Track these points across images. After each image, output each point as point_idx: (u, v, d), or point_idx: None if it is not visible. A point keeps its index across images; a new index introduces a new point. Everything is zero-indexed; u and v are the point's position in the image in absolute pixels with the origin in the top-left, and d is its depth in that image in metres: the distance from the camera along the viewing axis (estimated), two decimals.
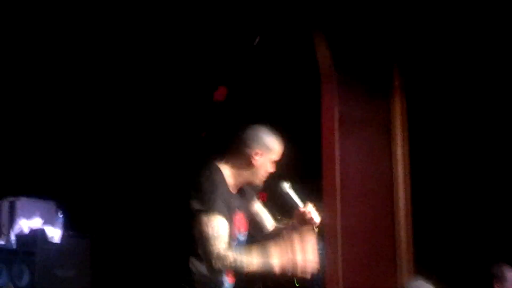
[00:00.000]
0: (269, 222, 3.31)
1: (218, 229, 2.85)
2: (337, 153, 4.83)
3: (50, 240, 5.92)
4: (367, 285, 4.78)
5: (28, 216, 5.99)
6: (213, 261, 2.80)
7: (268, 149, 3.04)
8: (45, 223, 6.03)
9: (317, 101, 4.94)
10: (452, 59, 4.99)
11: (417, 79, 4.96)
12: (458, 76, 4.95)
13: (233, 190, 3.04)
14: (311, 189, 5.24)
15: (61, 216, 6.09)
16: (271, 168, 3.07)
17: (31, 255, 5.74)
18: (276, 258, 2.75)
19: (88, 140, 6.82)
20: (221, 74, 6.28)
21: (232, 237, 2.96)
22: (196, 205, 2.88)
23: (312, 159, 5.12)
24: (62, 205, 6.23)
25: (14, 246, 5.77)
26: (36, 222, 5.99)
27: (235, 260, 2.79)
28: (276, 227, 3.27)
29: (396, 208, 4.81)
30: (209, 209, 2.85)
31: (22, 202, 6.05)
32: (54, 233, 5.98)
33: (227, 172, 3.03)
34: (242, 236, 3.12)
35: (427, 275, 4.75)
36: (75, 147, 6.82)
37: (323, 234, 5.07)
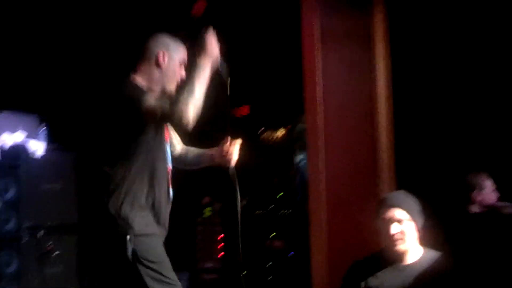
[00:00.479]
0: (178, 140, 3.39)
1: (152, 101, 2.91)
2: (318, 68, 4.81)
3: (33, 153, 5.97)
4: (349, 196, 4.89)
5: (11, 130, 5.99)
6: (175, 114, 2.82)
7: (172, 49, 3.11)
8: (29, 136, 6.06)
9: (297, 15, 4.87)
10: None
11: None
12: None
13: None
14: (292, 104, 5.31)
15: (44, 129, 6.10)
16: (180, 72, 3.10)
17: (15, 169, 5.80)
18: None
19: (71, 51, 6.71)
20: None
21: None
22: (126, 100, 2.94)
23: (293, 75, 5.10)
24: (45, 118, 6.23)
25: None
26: (19, 136, 6.00)
27: (183, 94, 2.84)
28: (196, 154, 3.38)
29: (378, 121, 4.85)
30: (141, 99, 2.91)
31: (4, 116, 6.03)
32: (38, 147, 6.01)
33: (143, 84, 3.07)
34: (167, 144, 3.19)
35: (408, 188, 4.90)
36: (58, 59, 6.71)
37: (306, 145, 5.17)
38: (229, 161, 3.22)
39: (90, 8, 6.45)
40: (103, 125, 3.11)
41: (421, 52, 4.83)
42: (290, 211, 5.62)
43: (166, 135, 3.15)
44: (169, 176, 3.15)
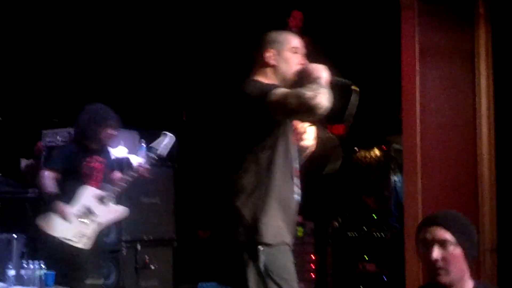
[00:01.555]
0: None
1: (281, 90, 2.85)
2: (417, 85, 4.68)
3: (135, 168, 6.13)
4: None
5: (113, 145, 6.19)
6: (306, 94, 2.73)
7: (277, 42, 3.03)
8: (129, 152, 6.23)
9: (397, 31, 4.76)
10: None
11: (504, 6, 4.68)
12: None
13: None
14: (389, 122, 5.18)
15: (143, 145, 6.26)
16: (298, 60, 3.01)
17: None
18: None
19: (168, 70, 6.90)
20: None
21: None
22: (259, 93, 2.87)
23: (392, 91, 4.99)
24: (145, 134, 6.40)
25: None
26: (121, 151, 6.18)
27: (312, 88, 2.75)
28: None
29: (479, 141, 4.65)
30: (268, 91, 2.85)
31: None
32: (138, 161, 6.17)
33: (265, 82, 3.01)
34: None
35: (511, 209, 4.64)
36: (154, 76, 6.91)
37: (402, 166, 5.02)
38: (299, 140, 3.08)
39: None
40: (228, 127, 3.06)
41: None
42: (384, 233, 5.46)
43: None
44: (298, 177, 3.06)
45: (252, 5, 6.38)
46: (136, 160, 6.15)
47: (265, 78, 3.01)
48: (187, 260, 6.47)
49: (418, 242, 2.57)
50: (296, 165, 3.05)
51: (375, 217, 5.54)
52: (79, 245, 4.65)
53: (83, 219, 4.74)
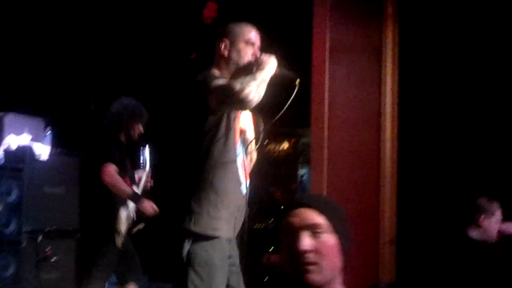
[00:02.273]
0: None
1: (220, 80, 2.97)
2: (326, 80, 4.78)
3: (38, 156, 5.92)
4: (350, 211, 4.78)
5: (16, 132, 5.96)
6: (236, 87, 2.82)
7: (233, 33, 3.10)
8: (34, 139, 6.02)
9: (308, 26, 4.84)
10: None
11: (411, 6, 4.84)
12: (453, 4, 4.82)
13: None
14: (298, 117, 5.25)
15: (49, 133, 6.07)
16: (252, 52, 3.08)
17: (19, 171, 5.75)
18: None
19: (77, 56, 6.73)
20: None
21: None
22: (201, 82, 2.99)
23: (301, 86, 5.04)
24: (51, 122, 6.21)
25: (2, 162, 5.78)
26: (24, 139, 5.96)
27: (243, 80, 2.84)
28: None
29: (383, 137, 4.80)
30: (209, 79, 2.97)
31: (10, 118, 5.99)
32: (43, 150, 5.97)
33: (215, 72, 3.10)
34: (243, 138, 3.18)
35: (411, 206, 4.81)
36: (64, 64, 6.74)
37: (309, 159, 5.10)
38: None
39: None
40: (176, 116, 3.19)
41: (430, 68, 4.76)
42: None
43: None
44: (244, 168, 3.09)
45: None
46: (41, 148, 5.96)
47: (218, 69, 3.10)
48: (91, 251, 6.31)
49: (282, 231, 1.91)
50: (241, 158, 3.09)
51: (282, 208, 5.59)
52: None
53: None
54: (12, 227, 5.68)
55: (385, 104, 4.78)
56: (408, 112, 4.85)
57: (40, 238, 5.85)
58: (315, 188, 4.91)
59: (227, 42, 3.08)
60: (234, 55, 3.08)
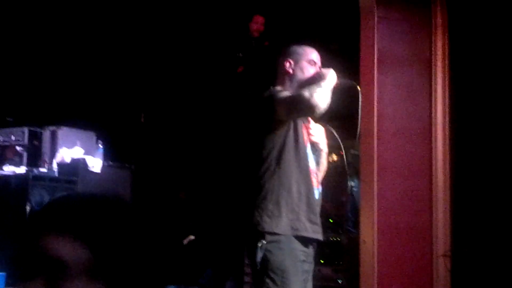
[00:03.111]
0: None
1: (286, 92, 3.17)
2: (375, 91, 4.73)
3: (91, 169, 6.04)
4: (402, 224, 4.77)
5: (69, 145, 6.11)
6: (305, 95, 3.00)
7: (296, 54, 3.31)
8: (86, 152, 6.15)
9: (356, 38, 4.81)
10: None
11: (461, 16, 4.77)
12: (506, 12, 4.73)
13: None
14: (349, 128, 5.22)
15: (101, 146, 6.19)
16: (314, 71, 3.28)
17: (72, 184, 5.88)
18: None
19: (128, 70, 6.84)
20: (257, 3, 6.17)
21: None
22: (268, 96, 3.21)
23: (349, 98, 5.03)
24: (102, 135, 6.33)
25: (56, 174, 5.91)
26: (77, 152, 6.10)
27: (310, 89, 3.03)
28: None
29: (434, 148, 4.73)
30: (275, 93, 3.18)
31: (63, 131, 6.16)
32: (95, 163, 6.09)
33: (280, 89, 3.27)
34: (313, 149, 3.35)
35: (463, 217, 4.73)
36: (115, 77, 6.85)
37: (359, 172, 5.06)
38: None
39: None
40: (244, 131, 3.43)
41: (481, 79, 4.68)
42: (340, 238, 5.50)
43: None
44: (315, 176, 3.27)
45: (214, 9, 6.41)
46: (93, 161, 6.08)
47: (283, 85, 3.29)
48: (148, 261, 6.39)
49: None
50: (312, 165, 3.27)
51: (331, 221, 5.57)
52: None
53: None
54: None
55: (436, 115, 4.71)
56: (460, 123, 4.78)
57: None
58: (365, 200, 4.87)
59: (291, 61, 3.30)
60: (298, 73, 3.29)
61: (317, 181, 3.27)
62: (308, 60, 3.31)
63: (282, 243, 3.02)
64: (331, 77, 3.18)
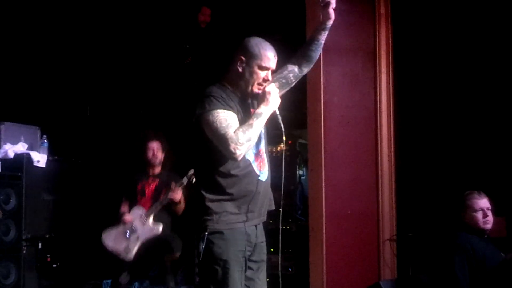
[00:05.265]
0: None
1: (225, 119, 3.00)
2: (321, 81, 4.81)
3: (35, 164, 5.94)
4: (349, 210, 4.87)
5: (13, 140, 5.97)
6: (230, 146, 2.93)
7: (251, 53, 3.10)
8: (30, 147, 6.03)
9: (301, 28, 4.87)
10: None
11: (404, 6, 4.89)
12: (445, 3, 4.87)
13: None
14: (296, 116, 5.29)
15: (46, 141, 6.09)
16: (265, 76, 3.11)
17: (17, 179, 5.77)
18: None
19: (72, 65, 6.73)
20: None
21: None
22: (198, 110, 3.03)
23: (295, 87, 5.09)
24: (47, 129, 6.22)
25: (0, 170, 5.79)
26: (21, 147, 5.98)
27: (243, 133, 2.95)
28: None
29: (379, 136, 4.85)
30: (209, 107, 3.01)
31: (6, 127, 6.01)
32: (40, 158, 5.99)
33: (226, 84, 3.13)
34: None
35: (409, 201, 4.87)
36: (58, 72, 6.74)
37: (307, 159, 5.13)
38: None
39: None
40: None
41: (424, 66, 4.81)
42: (289, 226, 5.57)
43: None
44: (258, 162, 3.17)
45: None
46: (38, 156, 5.98)
47: (229, 82, 3.14)
48: (92, 258, 6.33)
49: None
50: (258, 148, 3.18)
51: (280, 210, 5.62)
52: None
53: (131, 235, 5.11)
54: (11, 234, 5.69)
55: (381, 103, 4.82)
56: (404, 109, 4.90)
57: (40, 245, 5.88)
58: (313, 188, 4.95)
59: (244, 59, 3.11)
60: (247, 75, 3.12)
61: (262, 164, 3.19)
62: (260, 65, 3.10)
63: (224, 234, 3.04)
64: (272, 104, 3.06)
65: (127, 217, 5.18)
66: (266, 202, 3.24)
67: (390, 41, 4.85)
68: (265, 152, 3.24)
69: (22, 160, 5.84)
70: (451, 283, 3.75)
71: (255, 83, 3.12)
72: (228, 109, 3.01)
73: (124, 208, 5.31)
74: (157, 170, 5.36)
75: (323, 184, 4.84)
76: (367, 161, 4.88)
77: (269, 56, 3.12)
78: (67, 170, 6.27)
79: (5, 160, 5.84)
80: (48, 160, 6.04)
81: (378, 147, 4.87)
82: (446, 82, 4.89)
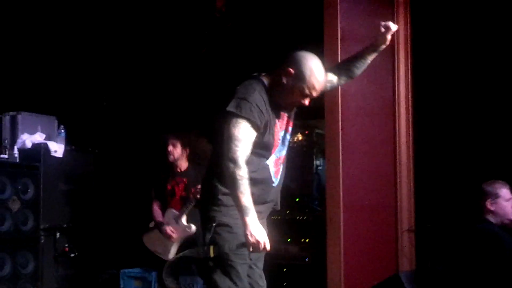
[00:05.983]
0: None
1: (245, 134, 2.96)
2: None
3: (53, 154, 5.97)
4: (367, 201, 4.84)
5: (30, 131, 6.01)
6: (227, 158, 2.91)
7: (301, 76, 2.99)
8: (48, 138, 6.06)
9: (319, 16, 4.83)
10: None
11: None
12: None
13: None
14: (313, 106, 5.26)
15: (63, 131, 6.11)
16: (302, 100, 3.06)
17: (35, 169, 5.81)
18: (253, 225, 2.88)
19: (88, 54, 6.74)
20: None
21: (274, 143, 3.09)
22: (230, 107, 2.98)
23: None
24: (64, 119, 6.24)
25: (17, 160, 5.82)
26: (38, 137, 6.01)
27: (240, 176, 2.90)
28: None
29: (398, 127, 4.81)
30: (240, 113, 2.96)
31: (23, 117, 6.05)
32: (57, 148, 6.02)
33: (266, 84, 3.08)
34: (288, 134, 3.21)
35: (426, 194, 4.83)
36: (76, 61, 6.75)
37: (324, 150, 5.11)
38: (389, 31, 3.21)
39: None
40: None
41: (443, 56, 4.76)
42: (306, 216, 5.56)
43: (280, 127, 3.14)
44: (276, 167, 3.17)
45: None
46: (55, 146, 6.01)
47: (270, 84, 3.06)
48: (109, 247, 6.37)
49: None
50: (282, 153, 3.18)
51: (297, 200, 5.62)
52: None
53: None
54: (29, 224, 5.75)
55: (399, 94, 4.78)
56: (422, 100, 4.86)
57: (57, 234, 5.92)
58: (330, 179, 4.91)
59: (291, 74, 3.01)
60: (287, 89, 3.03)
61: (278, 172, 3.18)
62: (303, 91, 3.01)
63: (231, 228, 3.05)
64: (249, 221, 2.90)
65: (166, 228, 5.21)
66: (271, 205, 3.26)
67: (408, 30, 4.80)
68: (284, 160, 3.25)
69: (40, 150, 5.88)
70: (472, 274, 3.71)
71: (291, 100, 3.09)
72: (255, 124, 2.97)
73: (156, 209, 5.31)
74: (184, 166, 5.30)
75: (341, 175, 4.79)
76: (385, 151, 4.84)
77: (316, 86, 3.03)
78: (84, 160, 6.30)
79: (23, 150, 5.89)
80: (65, 150, 6.08)
81: (396, 138, 4.83)
82: (465, 72, 4.84)
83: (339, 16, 4.69)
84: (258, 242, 2.88)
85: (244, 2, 6.05)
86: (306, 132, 5.68)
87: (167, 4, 6.32)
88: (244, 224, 2.88)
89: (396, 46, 4.78)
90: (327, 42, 4.83)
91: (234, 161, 2.91)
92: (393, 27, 3.20)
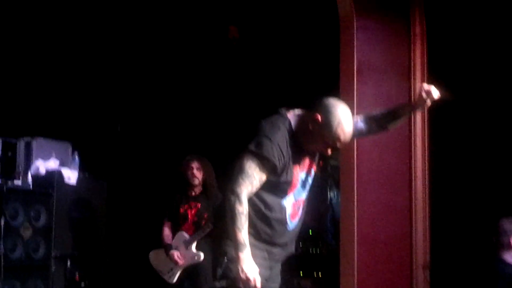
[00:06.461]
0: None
1: (255, 171, 2.91)
2: (355, 101, 4.71)
3: (66, 181, 5.95)
4: (382, 235, 4.74)
5: (44, 157, 6.00)
6: (230, 190, 2.88)
7: (328, 126, 2.91)
8: (62, 164, 6.05)
9: (336, 48, 4.80)
10: (477, 4, 4.78)
11: (440, 25, 4.78)
12: (482, 22, 4.75)
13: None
14: None
15: (77, 157, 6.10)
16: (324, 149, 2.99)
17: (48, 196, 5.78)
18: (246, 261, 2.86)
19: (105, 82, 6.77)
20: (234, 15, 6.15)
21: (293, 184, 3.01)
22: (251, 144, 2.93)
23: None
24: (78, 146, 6.23)
25: (31, 187, 5.81)
26: (52, 163, 5.99)
27: (239, 212, 2.86)
28: None
29: (414, 160, 4.73)
30: (259, 150, 2.91)
31: (38, 143, 6.05)
32: (71, 175, 6.00)
33: (292, 124, 3.01)
34: (310, 177, 3.15)
35: (443, 227, 4.72)
36: (90, 88, 6.77)
37: (338, 181, 5.04)
38: (431, 97, 3.13)
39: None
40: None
41: (460, 87, 4.68)
42: (320, 250, 5.47)
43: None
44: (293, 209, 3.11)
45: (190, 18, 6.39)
46: (69, 173, 5.99)
47: (296, 124, 3.00)
48: (120, 277, 6.31)
49: None
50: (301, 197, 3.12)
51: (311, 233, 5.54)
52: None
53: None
54: (41, 252, 5.71)
55: (415, 125, 4.70)
56: (439, 131, 4.77)
57: (68, 263, 5.87)
58: (344, 211, 4.84)
59: (318, 121, 2.92)
60: (313, 134, 2.96)
61: (295, 214, 3.11)
62: (327, 141, 2.94)
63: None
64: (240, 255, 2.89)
65: (174, 253, 5.16)
66: (284, 249, 3.17)
67: (425, 62, 4.74)
68: (304, 204, 3.18)
69: (53, 177, 5.86)
70: None
71: (314, 147, 3.02)
72: (271, 164, 2.90)
73: (166, 230, 5.27)
74: (197, 190, 5.26)
75: (355, 208, 4.72)
76: (400, 184, 4.75)
77: (341, 138, 2.94)
78: (98, 187, 6.28)
79: (37, 177, 5.87)
80: (78, 177, 6.05)
81: (412, 170, 4.73)
82: (483, 103, 4.75)
83: (355, 47, 4.66)
84: (248, 279, 2.85)
85: (260, 35, 6.07)
86: (321, 163, 5.62)
87: (182, 30, 6.35)
88: (237, 259, 2.86)
89: (412, 78, 4.72)
90: (343, 73, 4.79)
91: (237, 195, 2.87)
92: (435, 93, 3.12)
